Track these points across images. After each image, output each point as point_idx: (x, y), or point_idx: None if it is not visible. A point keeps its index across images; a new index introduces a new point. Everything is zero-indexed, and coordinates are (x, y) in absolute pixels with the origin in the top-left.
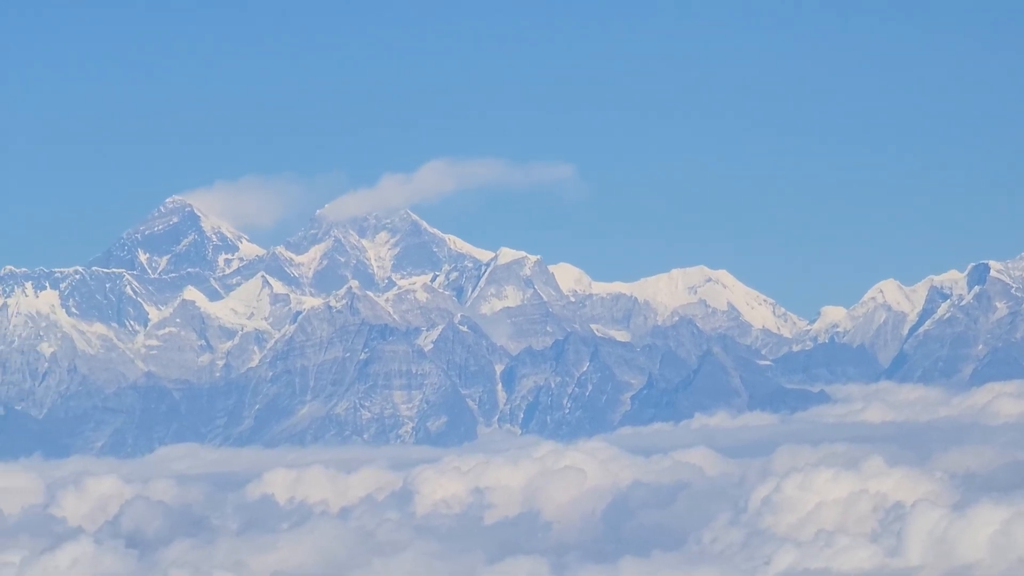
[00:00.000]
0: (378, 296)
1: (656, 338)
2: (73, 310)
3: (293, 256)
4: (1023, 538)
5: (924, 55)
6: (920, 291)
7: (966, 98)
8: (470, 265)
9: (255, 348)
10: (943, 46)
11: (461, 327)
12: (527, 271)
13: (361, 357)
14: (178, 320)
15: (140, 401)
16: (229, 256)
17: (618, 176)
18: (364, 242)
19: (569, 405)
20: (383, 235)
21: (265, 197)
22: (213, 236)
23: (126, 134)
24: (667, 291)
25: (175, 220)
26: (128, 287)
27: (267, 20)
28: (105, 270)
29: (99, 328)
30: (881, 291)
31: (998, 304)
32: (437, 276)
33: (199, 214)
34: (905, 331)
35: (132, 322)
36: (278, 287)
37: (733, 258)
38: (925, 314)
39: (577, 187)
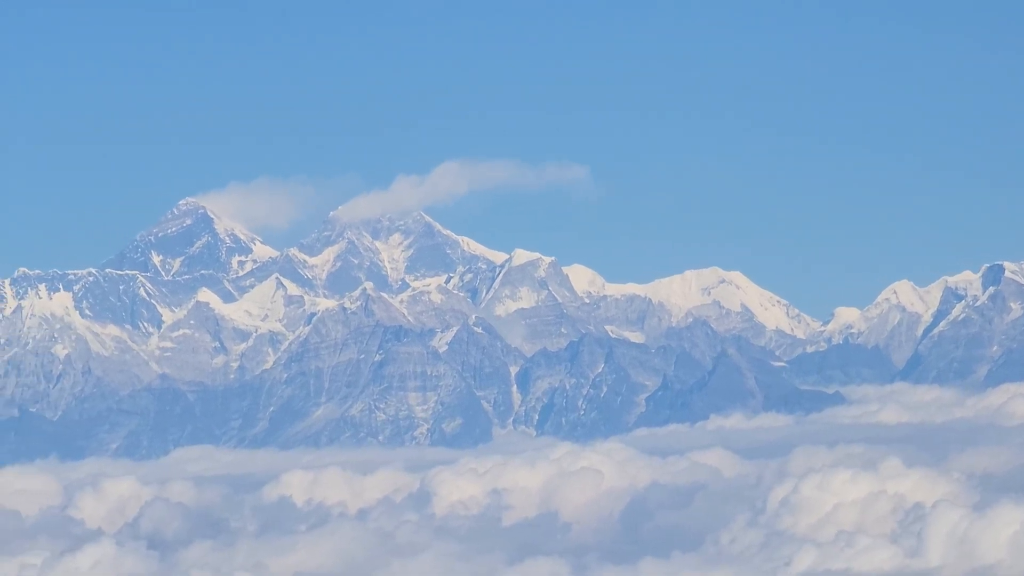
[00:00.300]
0: (392, 298)
1: (671, 339)
2: (87, 312)
3: (307, 258)
4: None
5: (943, 55)
6: (934, 292)
7: (981, 99)
8: (484, 267)
9: (269, 350)
10: (960, 46)
11: (476, 328)
12: (541, 272)
13: (376, 359)
14: (192, 322)
15: (155, 403)
16: (243, 258)
17: (631, 177)
18: (378, 244)
19: (584, 407)
20: (396, 237)
21: (279, 199)
22: (226, 238)
23: (139, 136)
24: (680, 292)
25: (188, 222)
26: (142, 289)
27: (281, 23)
28: (119, 272)
29: (113, 330)
30: (895, 292)
31: (1013, 305)
32: (451, 278)
33: (212, 216)
34: (919, 332)
35: (146, 324)
36: (292, 289)
37: (746, 259)
38: (940, 315)
39: (591, 188)
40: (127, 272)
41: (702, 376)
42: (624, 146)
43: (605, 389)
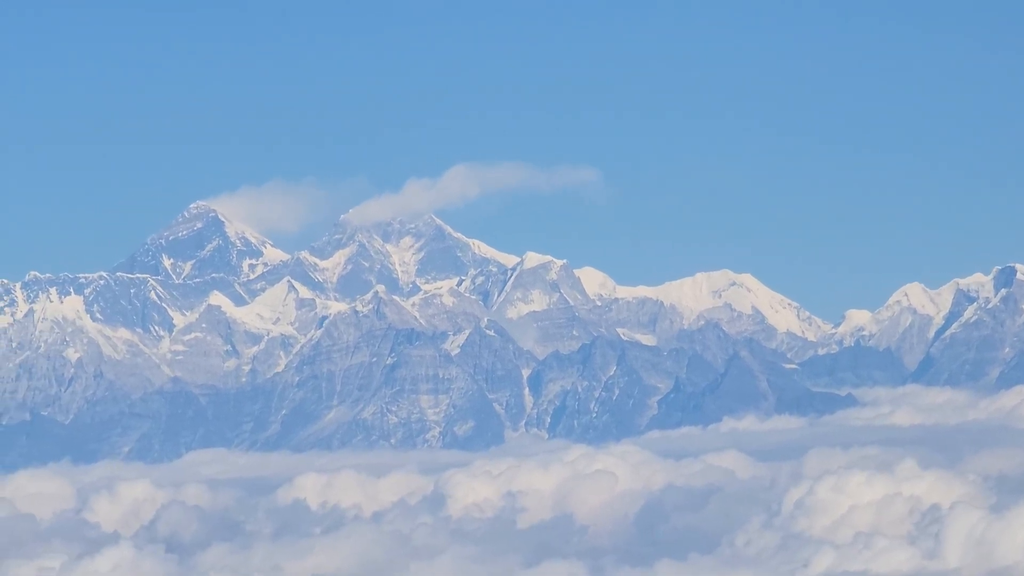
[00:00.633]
0: (404, 301)
1: (682, 342)
2: (97, 316)
3: (317, 261)
4: None
5: (957, 57)
6: (945, 294)
7: (991, 101)
8: (494, 270)
9: (281, 353)
10: (971, 47)
11: (488, 331)
12: (553, 275)
13: (388, 362)
14: (204, 325)
15: (166, 406)
16: (253, 261)
17: (642, 180)
18: (388, 247)
19: (596, 409)
20: (407, 240)
21: (289, 202)
22: (237, 241)
23: (150, 139)
24: (691, 295)
25: (199, 225)
26: (152, 292)
27: (292, 26)
28: (129, 275)
29: (124, 333)
30: (906, 294)
31: None
32: (463, 281)
33: (223, 219)
34: (931, 334)
35: (156, 327)
36: (304, 292)
37: (757, 262)
38: (951, 317)
39: (602, 191)
40: (138, 275)
41: (714, 378)
42: (635, 149)
43: (617, 392)
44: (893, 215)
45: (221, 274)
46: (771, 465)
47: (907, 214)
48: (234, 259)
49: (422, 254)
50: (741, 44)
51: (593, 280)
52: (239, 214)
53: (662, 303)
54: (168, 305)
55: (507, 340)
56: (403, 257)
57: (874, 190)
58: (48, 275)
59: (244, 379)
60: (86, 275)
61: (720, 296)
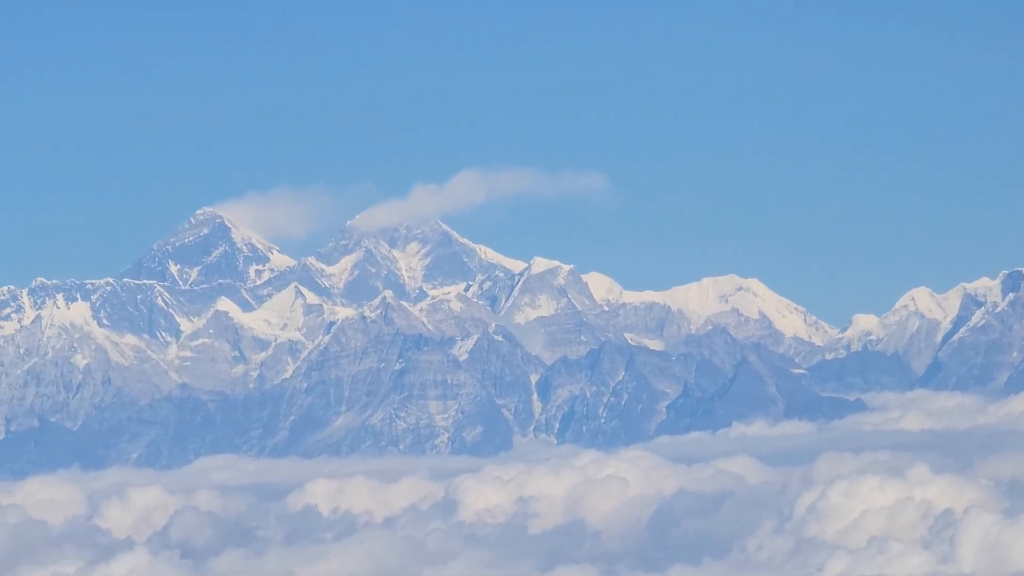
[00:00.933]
0: (412, 306)
1: (690, 347)
2: (104, 322)
3: (324, 267)
4: None
5: (964, 62)
6: (952, 299)
7: (999, 105)
8: (501, 275)
9: (288, 359)
10: (981, 51)
11: (496, 337)
12: (561, 280)
13: (396, 367)
14: (211, 331)
15: (175, 413)
16: (260, 267)
17: (650, 185)
18: (395, 252)
19: (605, 414)
20: (414, 245)
21: (296, 208)
22: (244, 247)
23: (156, 145)
24: (698, 300)
25: (205, 231)
26: (159, 298)
27: (299, 31)
28: (136, 281)
29: (131, 340)
30: (913, 299)
31: None
32: (471, 286)
33: (229, 225)
34: (939, 339)
35: (163, 333)
36: (311, 298)
37: (763, 266)
38: (959, 321)
39: (609, 196)
40: (144, 281)
41: (723, 383)
42: (642, 154)
43: (626, 397)
44: (899, 220)
45: (228, 280)
46: (782, 470)
47: (913, 218)
48: (240, 265)
49: (429, 260)
50: (747, 50)
51: (600, 285)
52: (245, 220)
53: (669, 308)
54: (175, 311)
55: (515, 345)
56: (410, 263)
57: (880, 194)
58: (55, 281)
59: (252, 385)
60: (93, 281)
61: (727, 301)
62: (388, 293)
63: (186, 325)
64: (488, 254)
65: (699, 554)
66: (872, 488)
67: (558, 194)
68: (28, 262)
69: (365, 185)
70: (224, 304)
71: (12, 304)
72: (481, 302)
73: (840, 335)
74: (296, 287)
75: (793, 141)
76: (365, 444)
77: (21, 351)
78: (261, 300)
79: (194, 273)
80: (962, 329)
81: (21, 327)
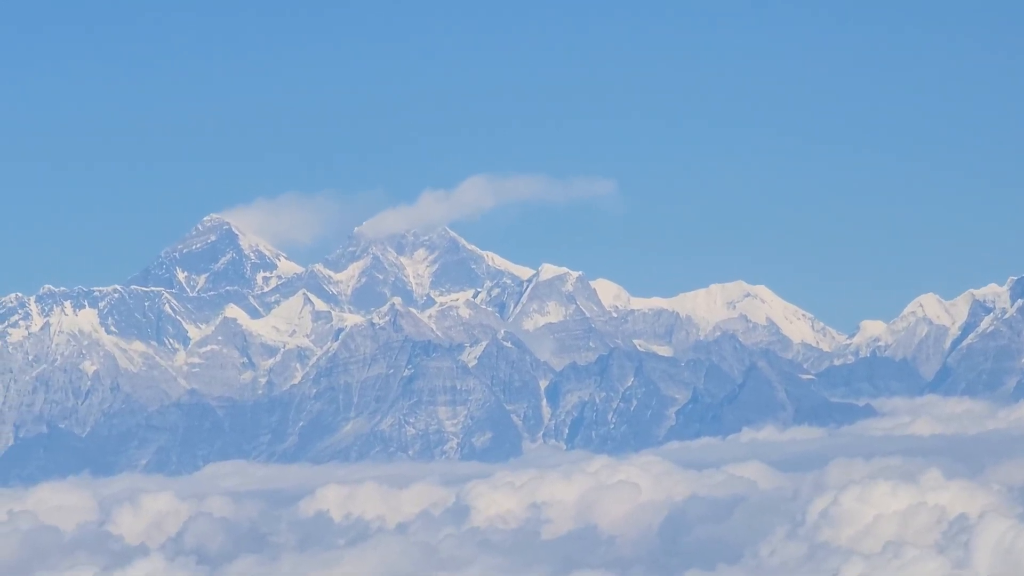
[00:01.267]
0: (421, 313)
1: (699, 353)
2: (112, 329)
3: (331, 274)
4: None
5: (971, 69)
6: (960, 305)
7: (1008, 110)
8: (509, 282)
9: (297, 365)
10: (992, 58)
11: (505, 343)
12: (569, 287)
13: (405, 374)
14: (220, 338)
15: (184, 419)
16: (267, 274)
17: (658, 192)
18: (402, 259)
19: (614, 420)
20: (421, 252)
21: (304, 215)
22: (251, 254)
23: (164, 152)
24: (705, 306)
25: (213, 238)
26: (167, 305)
27: (307, 38)
28: (144, 288)
29: (139, 346)
30: (921, 305)
31: None
32: (479, 292)
33: (237, 232)
34: (947, 344)
35: (171, 340)
36: (319, 305)
37: (771, 273)
38: (968, 327)
39: (617, 203)
40: (152, 288)
41: (732, 389)
42: (650, 161)
43: (635, 403)
44: (907, 226)
45: (235, 287)
46: (793, 475)
47: (921, 225)
48: (248, 272)
49: (436, 266)
50: (755, 58)
51: (608, 291)
52: (253, 227)
53: (678, 314)
54: (182, 318)
55: (524, 351)
56: (417, 269)
57: (887, 201)
58: (63, 288)
59: (261, 391)
60: (100, 288)
61: (735, 307)
62: (397, 300)
63: (194, 332)
64: (496, 261)
65: (712, 559)
66: (885, 493)
67: (566, 200)
68: (36, 269)
69: (373, 192)
70: (232, 311)
71: (20, 311)
72: (490, 308)
73: (848, 341)
74: (304, 294)
75: (799, 147)
76: (374, 450)
77: (30, 358)
78: (268, 307)
79: (201, 280)
80: (971, 335)
81: (29, 334)
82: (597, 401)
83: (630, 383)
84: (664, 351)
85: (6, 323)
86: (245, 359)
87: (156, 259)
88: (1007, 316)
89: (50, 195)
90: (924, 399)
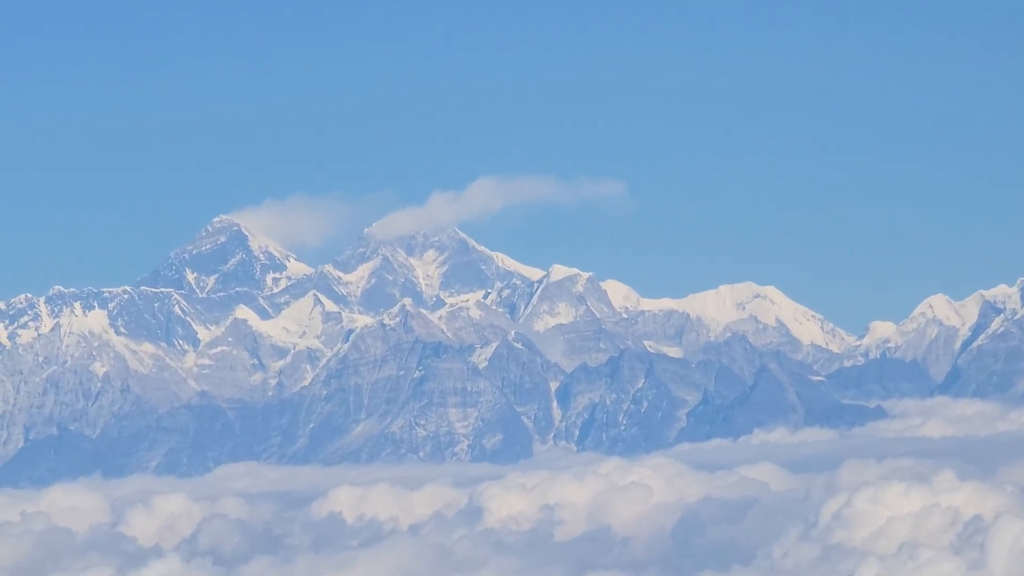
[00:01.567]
0: (431, 314)
1: (709, 354)
2: (121, 330)
3: (341, 275)
4: None
5: (982, 69)
6: (969, 306)
7: (1017, 111)
8: (519, 283)
9: (307, 367)
10: (1005, 58)
11: (515, 344)
12: (579, 288)
13: (415, 375)
14: (230, 339)
15: (194, 420)
16: (277, 275)
17: (667, 193)
18: (412, 260)
19: (625, 422)
20: (431, 253)
21: (314, 216)
22: (261, 255)
23: (173, 154)
24: (715, 307)
25: (222, 240)
26: (176, 307)
27: (317, 40)
28: (153, 290)
29: (149, 348)
30: (931, 306)
31: None
32: (489, 294)
33: (247, 233)
34: (957, 346)
35: (181, 341)
36: (329, 306)
37: (780, 274)
38: (978, 328)
39: (627, 204)
40: (161, 290)
41: (743, 391)
42: (660, 161)
43: (646, 404)
44: (916, 227)
45: (245, 288)
46: (805, 477)
47: (930, 226)
48: (257, 273)
49: (446, 267)
50: (765, 60)
51: (617, 292)
52: (263, 228)
53: (688, 315)
54: (192, 319)
55: (535, 353)
56: (427, 271)
57: (897, 201)
58: (72, 289)
59: (271, 393)
60: (110, 289)
61: (744, 308)
62: (407, 301)
63: (203, 333)
64: (505, 262)
65: (726, 561)
66: (898, 495)
67: (575, 202)
68: (45, 270)
69: (382, 193)
70: (243, 312)
71: (29, 312)
72: (500, 310)
73: (857, 342)
74: (315, 295)
75: (808, 149)
76: (385, 452)
77: (40, 359)
78: (278, 308)
79: (211, 281)
80: (981, 336)
81: (39, 335)
82: (608, 403)
83: (641, 384)
84: (674, 352)
85: (16, 324)
86: (255, 360)
87: (166, 260)
88: (1017, 317)
89: (59, 196)
90: (934, 400)
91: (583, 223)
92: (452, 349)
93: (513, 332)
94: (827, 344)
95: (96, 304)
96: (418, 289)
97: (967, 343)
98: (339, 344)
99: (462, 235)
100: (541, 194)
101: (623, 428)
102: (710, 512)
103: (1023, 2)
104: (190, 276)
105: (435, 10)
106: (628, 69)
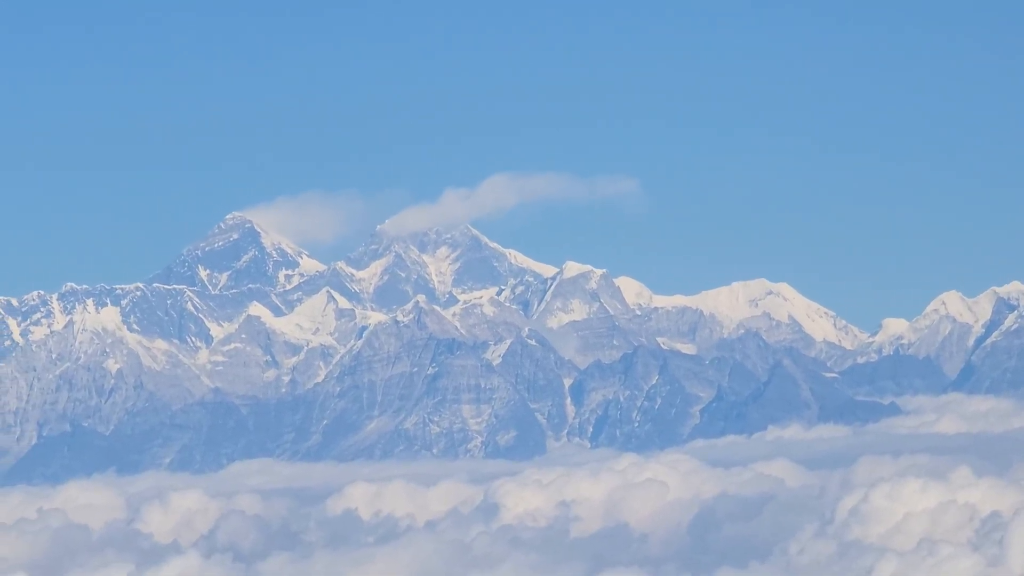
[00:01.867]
0: (445, 311)
1: (722, 351)
2: (134, 327)
3: (354, 272)
4: None
5: (994, 67)
6: (983, 302)
7: None
8: (532, 280)
9: (320, 363)
10: (1013, 59)
11: (529, 340)
12: (593, 285)
13: (429, 372)
14: (243, 336)
15: (207, 417)
16: (289, 272)
17: (680, 190)
18: (425, 257)
19: (639, 418)
20: (443, 250)
21: (327, 213)
22: (273, 252)
23: (186, 151)
24: (728, 304)
25: (235, 236)
26: (189, 303)
27: (330, 37)
28: (166, 286)
29: (162, 344)
30: (944, 303)
31: None
32: (503, 290)
33: (259, 230)
34: (970, 342)
35: (193, 338)
36: (343, 303)
37: (793, 271)
38: (992, 325)
39: (640, 201)
40: (174, 286)
41: (756, 387)
42: (673, 158)
43: (659, 401)
44: (929, 224)
45: (257, 285)
46: (820, 473)
47: (943, 223)
48: (270, 270)
49: (459, 264)
50: (778, 57)
51: (630, 289)
52: (275, 225)
53: (701, 312)
54: (205, 316)
55: (548, 350)
56: (439, 267)
57: (910, 198)
58: (85, 286)
59: (284, 389)
60: (123, 286)
61: (757, 305)
62: (421, 297)
63: (216, 330)
64: (518, 258)
65: (743, 557)
66: (915, 491)
67: (588, 199)
68: (58, 267)
69: (395, 190)
70: (256, 309)
71: (42, 309)
72: (514, 306)
73: (870, 339)
74: (328, 292)
75: (821, 146)
76: (399, 448)
77: (53, 356)
78: (291, 305)
79: (224, 278)
80: (995, 333)
81: (52, 332)
82: (621, 399)
83: (654, 381)
84: (688, 349)
85: (29, 321)
86: (268, 357)
87: (178, 257)
88: None
89: (72, 193)
90: (948, 397)
91: (596, 220)
92: (466, 346)
93: (527, 329)
94: (840, 341)
95: (109, 301)
96: (431, 286)
97: (980, 340)
98: (352, 341)
99: (475, 232)
100: (554, 191)
101: (637, 425)
102: (726, 509)
103: (1023, 2)
104: (203, 273)
105: (448, 8)
106: (643, 67)
